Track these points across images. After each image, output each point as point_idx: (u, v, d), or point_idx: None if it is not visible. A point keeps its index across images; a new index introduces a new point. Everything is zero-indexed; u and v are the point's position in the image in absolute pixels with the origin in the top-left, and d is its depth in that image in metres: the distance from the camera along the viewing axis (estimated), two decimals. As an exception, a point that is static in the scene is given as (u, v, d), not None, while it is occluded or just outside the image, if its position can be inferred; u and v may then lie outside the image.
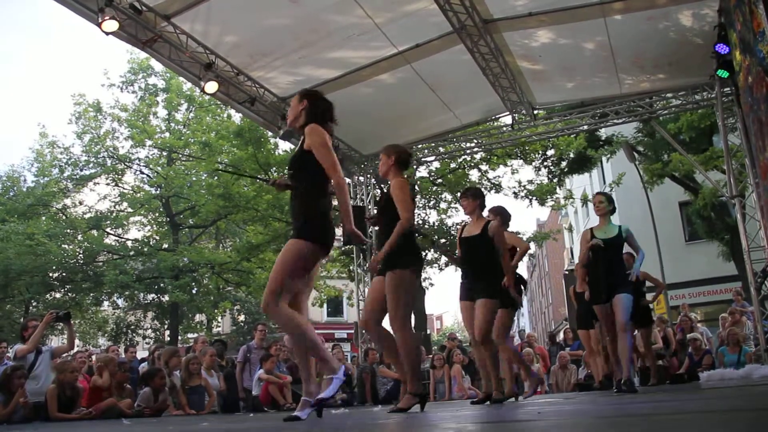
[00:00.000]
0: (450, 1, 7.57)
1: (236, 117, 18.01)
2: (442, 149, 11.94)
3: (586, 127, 11.95)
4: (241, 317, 24.82)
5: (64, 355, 8.36)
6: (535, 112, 10.92)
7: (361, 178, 12.09)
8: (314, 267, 3.87)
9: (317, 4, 7.73)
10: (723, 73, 8.30)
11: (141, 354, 14.30)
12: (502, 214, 6.30)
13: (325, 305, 25.14)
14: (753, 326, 9.88)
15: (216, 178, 17.97)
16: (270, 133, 14.25)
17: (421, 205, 17.10)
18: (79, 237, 21.24)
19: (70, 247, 21.35)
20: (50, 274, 20.62)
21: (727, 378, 8.41)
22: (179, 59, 8.18)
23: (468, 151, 13.05)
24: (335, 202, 3.97)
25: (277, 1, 7.64)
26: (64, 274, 20.88)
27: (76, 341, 16.09)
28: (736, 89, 8.31)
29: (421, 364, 5.45)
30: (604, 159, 20.04)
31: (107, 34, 7.03)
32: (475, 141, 11.98)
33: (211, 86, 8.38)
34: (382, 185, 12.23)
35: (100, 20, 6.89)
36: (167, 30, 7.81)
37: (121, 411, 7.23)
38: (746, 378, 8.09)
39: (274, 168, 16.21)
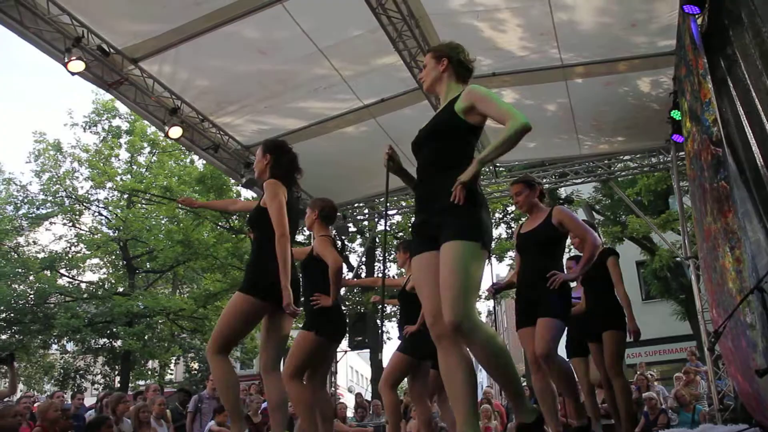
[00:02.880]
0: (416, 58, 7.72)
1: (199, 163, 17.99)
2: (404, 203, 12.03)
3: (546, 186, 12.15)
4: (195, 365, 24.22)
5: (5, 399, 8.03)
6: (498, 170, 11.12)
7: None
8: (257, 322, 3.88)
9: (286, 56, 7.81)
10: (678, 138, 8.59)
11: (89, 401, 13.81)
12: None
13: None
14: (707, 386, 9.99)
15: (176, 224, 17.79)
16: (233, 180, 14.22)
17: (381, 258, 17.12)
18: (31, 277, 20.66)
19: (21, 287, 20.75)
20: (-3, 315, 19.98)
21: (681, 439, 8.47)
22: (144, 103, 8.15)
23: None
24: None
25: (246, 52, 7.71)
26: (12, 315, 20.20)
27: (20, 386, 15.52)
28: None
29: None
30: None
31: (73, 74, 6.98)
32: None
33: (175, 131, 8.35)
34: (343, 236, 12.23)
35: (66, 60, 6.85)
36: (134, 73, 7.79)
37: (63, 462, 6.95)
38: (700, 438, 8.16)
39: (236, 215, 16.11)
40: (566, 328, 4.61)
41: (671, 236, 14.00)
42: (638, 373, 11.54)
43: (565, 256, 5.84)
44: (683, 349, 18.56)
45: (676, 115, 8.12)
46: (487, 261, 2.89)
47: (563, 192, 18.36)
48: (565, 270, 4.78)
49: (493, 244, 4.94)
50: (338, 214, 9.84)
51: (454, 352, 2.72)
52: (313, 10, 7.14)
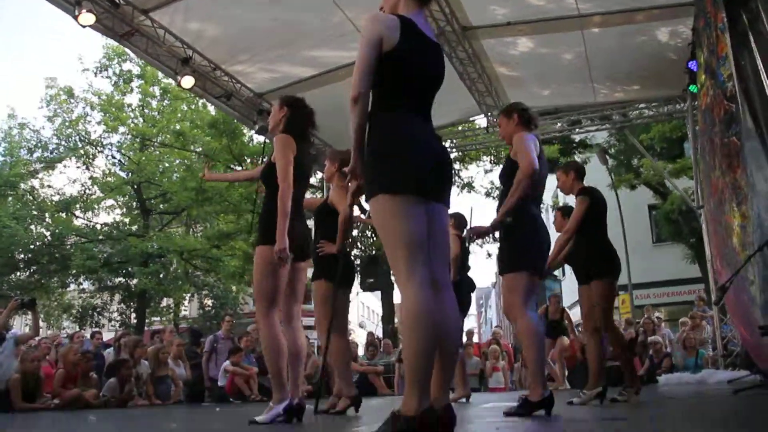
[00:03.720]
0: (430, 8, 7.61)
1: (211, 107, 17.89)
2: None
3: (559, 133, 12.14)
4: (209, 302, 24.69)
5: (28, 342, 8.32)
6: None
7: (335, 174, 12.12)
8: (285, 272, 3.92)
9: (298, 4, 7.72)
10: (694, 89, 8.49)
11: (107, 335, 14.21)
12: (456, 218, 6.28)
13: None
14: (712, 331, 10.16)
15: (189, 170, 17.84)
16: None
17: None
18: (47, 219, 20.94)
19: (38, 229, 21.05)
20: (16, 255, 20.32)
21: (683, 382, 8.70)
22: (156, 53, 8.12)
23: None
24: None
25: (258, 0, 7.62)
26: (30, 255, 20.57)
27: (41, 324, 15.92)
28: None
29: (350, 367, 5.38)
30: (577, 161, 20.32)
31: (84, 26, 6.95)
32: (450, 141, 12.07)
33: (188, 81, 8.34)
34: None
35: (76, 13, 6.81)
36: (145, 24, 7.74)
37: (86, 401, 7.24)
38: (702, 383, 8.38)
39: (249, 159, 16.17)
40: None
41: (685, 182, 13.95)
42: (645, 316, 11.71)
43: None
44: (692, 291, 18.75)
45: (693, 66, 8.02)
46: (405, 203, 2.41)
47: (576, 135, 18.22)
48: (552, 219, 4.51)
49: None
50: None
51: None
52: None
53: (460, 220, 6.31)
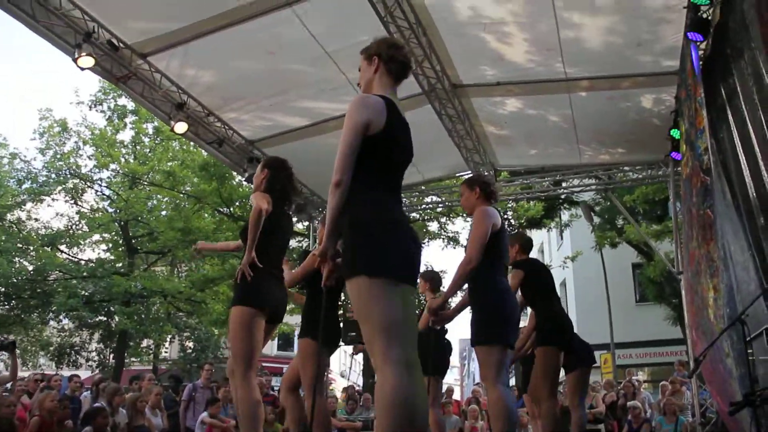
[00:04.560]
0: (422, 64, 7.82)
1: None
2: (406, 200, 12.14)
3: (544, 192, 12.33)
4: (190, 344, 24.43)
5: (5, 385, 8.19)
6: (498, 171, 11.25)
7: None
8: (261, 332, 3.97)
9: (294, 57, 7.91)
10: (676, 156, 8.70)
11: (84, 374, 14.00)
12: (432, 280, 6.34)
13: (276, 339, 24.99)
14: (691, 397, 10.16)
15: (177, 210, 17.87)
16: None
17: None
18: (32, 253, 20.78)
19: (21, 262, 20.87)
20: (-4, 289, 20.11)
21: (662, 451, 8.69)
22: (152, 97, 8.24)
23: (430, 205, 13.31)
24: None
25: (254, 50, 7.79)
26: (11, 289, 20.35)
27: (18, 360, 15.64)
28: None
29: None
30: (563, 218, 20.58)
31: (83, 69, 7.07)
32: (437, 196, 12.21)
33: (181, 127, 8.45)
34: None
35: (76, 55, 6.93)
36: (142, 68, 7.88)
37: (60, 450, 7.12)
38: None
39: (238, 202, 16.23)
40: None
41: (667, 246, 14.12)
42: (626, 379, 11.72)
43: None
44: (674, 352, 18.81)
45: (675, 134, 8.24)
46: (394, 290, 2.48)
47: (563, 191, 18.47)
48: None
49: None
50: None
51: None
52: (322, 15, 7.21)
53: (434, 280, 6.38)
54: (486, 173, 10.94)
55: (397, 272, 2.50)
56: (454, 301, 5.45)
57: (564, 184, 12.06)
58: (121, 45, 7.50)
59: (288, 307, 5.13)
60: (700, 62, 6.16)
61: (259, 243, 3.99)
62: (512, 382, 12.07)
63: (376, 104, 2.64)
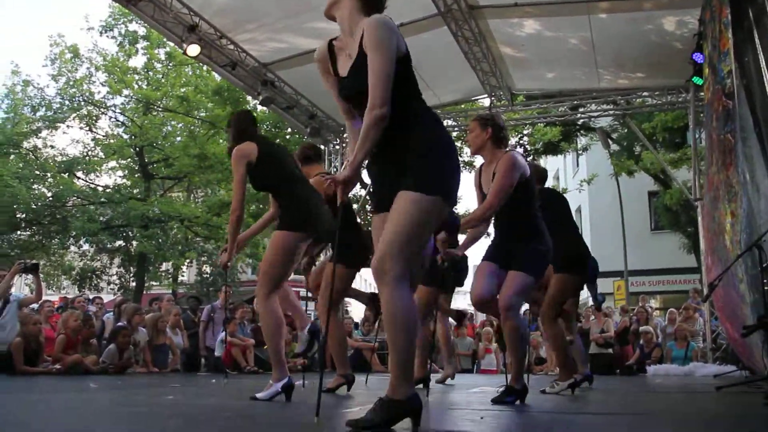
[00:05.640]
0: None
1: (216, 74, 17.90)
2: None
3: (561, 117, 12.17)
4: (207, 269, 24.84)
5: (31, 305, 8.43)
6: (514, 96, 11.09)
7: (337, 147, 12.19)
8: (297, 261, 4.04)
9: (307, -24, 7.72)
10: (698, 80, 8.51)
11: (106, 298, 14.37)
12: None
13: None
14: (703, 323, 10.26)
15: (192, 136, 17.84)
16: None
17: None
18: (50, 179, 20.97)
19: (40, 188, 21.09)
20: (17, 215, 20.40)
21: (671, 374, 8.84)
22: (163, 19, 8.13)
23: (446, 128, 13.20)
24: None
25: (266, -30, 7.62)
26: (31, 215, 20.65)
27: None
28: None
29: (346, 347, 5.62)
30: (579, 144, 20.37)
31: (91, -10, 6.95)
32: (453, 119, 12.09)
33: (193, 49, 8.36)
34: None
35: (84, -24, 6.81)
36: (153, -11, 7.75)
37: (86, 367, 7.37)
38: (689, 375, 8.52)
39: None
40: None
41: (685, 174, 13.99)
42: (639, 305, 11.82)
43: None
44: (688, 281, 18.87)
45: (698, 58, 8.02)
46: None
47: (580, 116, 18.21)
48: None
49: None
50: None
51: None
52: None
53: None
54: (501, 99, 10.82)
55: (451, 195, 2.55)
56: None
57: (581, 110, 11.88)
58: (131, -34, 7.35)
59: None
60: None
61: (274, 184, 4.09)
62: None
63: (396, 27, 2.55)
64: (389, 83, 2.44)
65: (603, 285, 11.86)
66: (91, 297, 11.97)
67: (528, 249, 4.04)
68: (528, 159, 18.13)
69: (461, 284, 6.65)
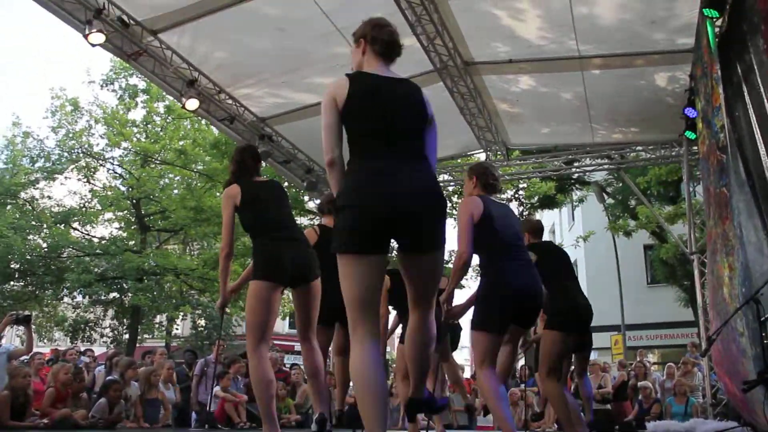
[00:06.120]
0: (433, 41, 7.75)
1: (214, 127, 18.09)
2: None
3: (556, 172, 12.27)
4: (202, 322, 24.63)
5: (21, 358, 8.30)
6: (509, 151, 11.20)
7: (334, 200, 12.21)
8: (275, 307, 4.03)
9: (304, 34, 7.86)
10: (691, 135, 8.61)
11: (98, 350, 14.18)
12: None
13: (287, 318, 25.12)
14: (702, 378, 10.14)
15: (189, 188, 17.92)
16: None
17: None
18: (45, 230, 20.93)
19: (35, 239, 21.04)
20: (11, 265, 20.29)
21: (672, 430, 8.67)
22: (163, 74, 8.24)
23: (441, 183, 13.27)
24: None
25: (265, 28, 7.76)
26: (25, 266, 20.54)
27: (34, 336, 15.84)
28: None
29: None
30: (574, 197, 20.49)
31: (93, 46, 7.07)
32: (449, 174, 12.17)
33: (192, 103, 8.45)
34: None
35: (87, 32, 6.93)
36: (153, 44, 7.87)
37: (75, 422, 7.22)
38: (690, 431, 8.36)
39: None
40: None
41: (680, 228, 14.03)
42: (637, 360, 11.70)
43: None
44: (685, 335, 18.72)
45: (690, 113, 8.14)
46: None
47: (575, 170, 18.36)
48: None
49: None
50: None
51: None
52: (333, -9, 7.17)
53: None
54: (497, 154, 10.91)
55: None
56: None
57: (576, 164, 11.99)
58: (132, 21, 7.49)
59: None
60: (716, 39, 6.06)
61: (248, 226, 4.17)
62: (522, 362, 12.07)
63: (338, 82, 2.74)
64: (324, 131, 2.70)
65: (600, 339, 11.76)
66: (82, 349, 11.81)
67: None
68: (525, 214, 18.29)
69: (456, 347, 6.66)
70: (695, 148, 9.64)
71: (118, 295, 21.45)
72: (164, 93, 20.04)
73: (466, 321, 6.18)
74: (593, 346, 6.37)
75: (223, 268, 4.25)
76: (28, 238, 20.55)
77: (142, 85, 21.18)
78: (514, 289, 3.97)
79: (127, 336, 21.89)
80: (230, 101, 9.20)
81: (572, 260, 5.69)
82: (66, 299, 22.44)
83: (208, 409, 9.08)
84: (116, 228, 23.00)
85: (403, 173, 2.61)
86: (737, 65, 6.02)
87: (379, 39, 2.87)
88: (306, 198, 15.91)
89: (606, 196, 18.59)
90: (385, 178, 2.58)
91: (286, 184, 17.34)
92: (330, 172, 2.66)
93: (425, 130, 2.84)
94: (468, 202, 4.11)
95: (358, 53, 2.91)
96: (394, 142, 2.68)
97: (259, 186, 4.29)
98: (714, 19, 5.95)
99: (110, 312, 22.65)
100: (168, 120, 21.78)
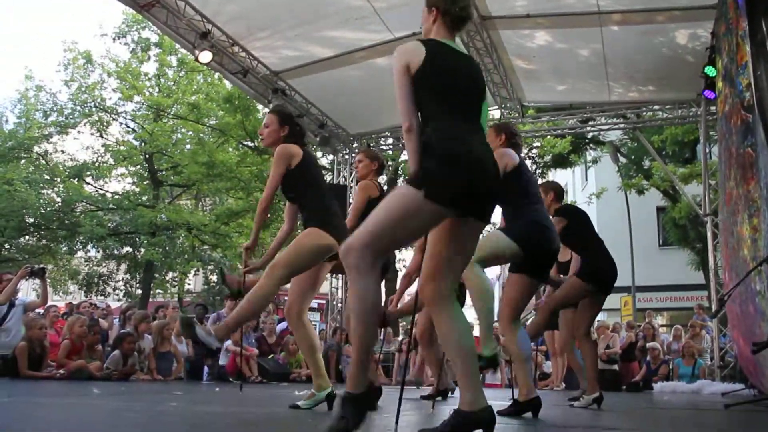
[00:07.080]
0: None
1: (227, 81, 17.97)
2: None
3: (571, 130, 12.14)
4: (214, 277, 24.80)
5: (36, 309, 8.40)
6: (525, 108, 11.07)
7: (346, 156, 12.18)
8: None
9: (319, -16, 7.74)
10: (709, 95, 8.45)
11: (112, 304, 14.37)
12: None
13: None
14: (711, 340, 10.16)
15: (201, 144, 17.89)
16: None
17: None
18: (59, 185, 21.03)
19: (49, 193, 21.17)
20: (26, 219, 20.47)
21: (678, 391, 8.73)
22: (176, 26, 8.16)
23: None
24: None
25: (278, -22, 7.64)
26: (39, 220, 20.71)
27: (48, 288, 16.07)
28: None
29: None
30: (588, 158, 20.31)
31: (104, -5, 6.98)
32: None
33: (205, 56, 8.38)
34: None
35: (98, -19, 6.84)
36: (166, -6, 7.78)
37: (90, 373, 7.33)
38: (696, 393, 8.41)
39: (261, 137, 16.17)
40: None
41: (694, 188, 13.87)
42: (645, 321, 11.72)
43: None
44: (695, 297, 18.68)
45: (710, 71, 7.97)
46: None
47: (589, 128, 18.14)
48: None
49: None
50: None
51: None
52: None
53: None
54: (512, 111, 10.79)
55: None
56: None
57: (591, 123, 11.84)
58: (144, -29, 7.39)
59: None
60: (743, -7, 5.88)
61: (309, 191, 4.00)
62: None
63: (411, 47, 2.70)
64: (399, 97, 2.66)
65: (610, 300, 11.72)
66: (97, 304, 11.93)
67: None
68: (537, 172, 18.16)
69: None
70: (713, 108, 9.50)
71: (131, 250, 21.65)
72: (177, 46, 19.97)
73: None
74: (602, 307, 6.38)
75: (257, 219, 4.10)
76: (42, 192, 20.68)
77: (154, 38, 20.99)
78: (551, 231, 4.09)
79: (139, 291, 22.13)
80: (243, 54, 9.11)
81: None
82: (80, 253, 22.67)
83: (219, 362, 9.20)
84: (129, 183, 23.09)
85: (483, 146, 2.67)
86: (762, 22, 5.86)
87: (451, 12, 2.84)
88: (319, 154, 15.80)
89: (620, 156, 18.40)
90: (478, 147, 2.63)
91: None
92: (408, 138, 2.62)
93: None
94: (507, 151, 4.14)
95: (429, 20, 2.87)
96: (469, 117, 2.71)
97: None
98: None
99: (123, 266, 22.86)
100: (181, 74, 21.64)
